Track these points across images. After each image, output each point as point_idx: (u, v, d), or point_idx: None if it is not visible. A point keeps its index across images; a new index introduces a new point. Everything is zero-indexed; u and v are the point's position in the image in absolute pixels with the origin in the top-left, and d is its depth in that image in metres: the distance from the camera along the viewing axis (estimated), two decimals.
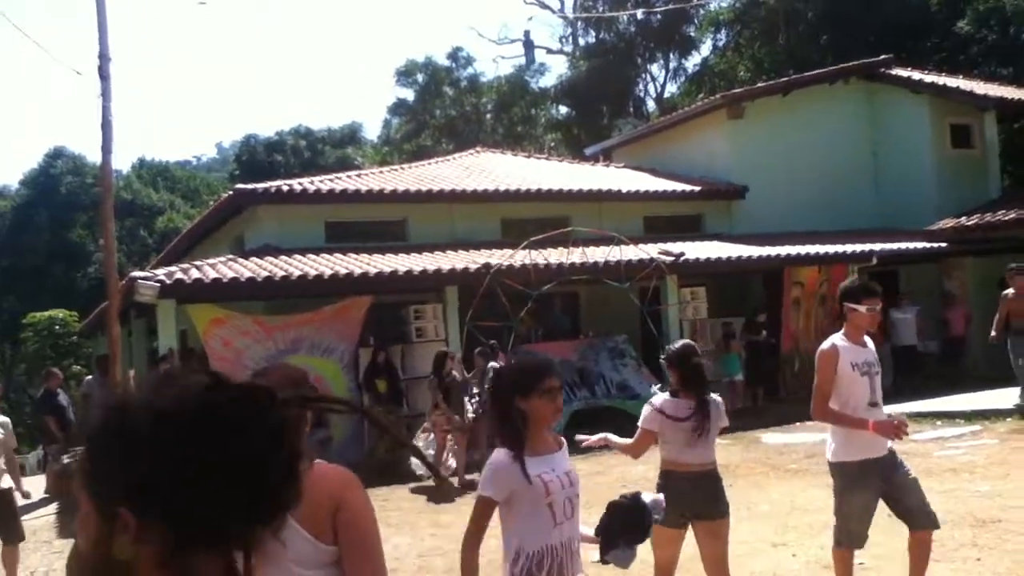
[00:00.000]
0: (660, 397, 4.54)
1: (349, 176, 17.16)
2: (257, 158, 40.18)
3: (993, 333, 11.05)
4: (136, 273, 12.01)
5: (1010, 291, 10.80)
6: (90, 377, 14.50)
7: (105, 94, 7.27)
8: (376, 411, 1.80)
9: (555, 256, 13.31)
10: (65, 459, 8.54)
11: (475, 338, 11.86)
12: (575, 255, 13.22)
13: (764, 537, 6.54)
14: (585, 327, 15.81)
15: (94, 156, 38.49)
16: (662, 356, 4.82)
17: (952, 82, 19.03)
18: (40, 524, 10.15)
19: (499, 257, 12.98)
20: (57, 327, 26.94)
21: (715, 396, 4.49)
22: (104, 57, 7.27)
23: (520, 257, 12.82)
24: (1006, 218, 15.69)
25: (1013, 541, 5.93)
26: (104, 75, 7.26)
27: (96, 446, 1.06)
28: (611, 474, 9.30)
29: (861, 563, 5.46)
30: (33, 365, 28.66)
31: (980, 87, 19.53)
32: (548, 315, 15.36)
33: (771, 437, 11.51)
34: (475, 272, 12.53)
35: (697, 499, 4.31)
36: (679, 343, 4.71)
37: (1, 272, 35.69)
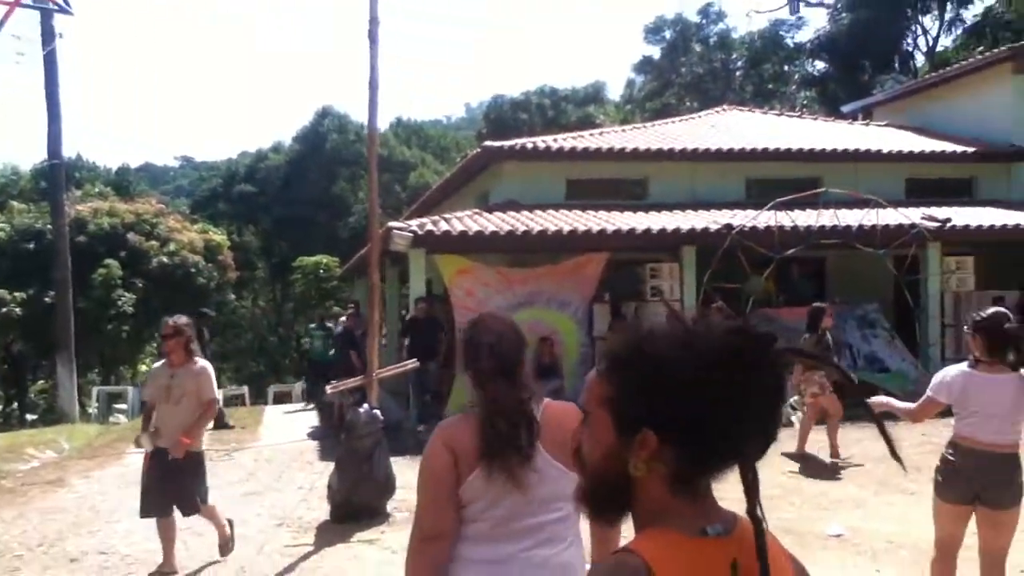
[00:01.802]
0: (956, 367, 4.22)
1: (591, 134, 17.20)
2: (504, 117, 41.29)
3: None
4: (393, 224, 12.77)
5: None
6: (344, 318, 15.59)
7: (373, 57, 7.66)
8: (850, 372, 1.83)
9: (803, 218, 12.62)
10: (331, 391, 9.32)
11: (712, 300, 11.53)
12: (825, 217, 12.47)
13: None
14: (831, 294, 14.92)
15: (357, 115, 41.42)
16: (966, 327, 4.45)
17: None
18: (305, 447, 11.25)
19: (742, 218, 12.51)
20: (321, 271, 29.51)
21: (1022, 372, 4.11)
22: (374, 21, 7.67)
23: (765, 218, 12.28)
24: None
25: None
26: (373, 39, 7.65)
27: (625, 371, 1.18)
28: None
29: None
30: (300, 304, 31.69)
31: None
32: (790, 280, 14.64)
33: None
34: (715, 232, 12.17)
35: (985, 482, 4.00)
36: (990, 310, 4.31)
37: (276, 219, 39.44)
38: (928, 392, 4.19)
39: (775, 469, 8.02)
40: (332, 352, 14.42)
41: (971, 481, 4.02)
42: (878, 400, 4.25)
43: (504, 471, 2.18)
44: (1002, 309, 4.33)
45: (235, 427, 13.22)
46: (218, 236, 27.40)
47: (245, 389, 23.61)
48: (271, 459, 10.30)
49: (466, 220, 12.94)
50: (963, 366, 4.16)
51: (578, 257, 12.45)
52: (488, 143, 16.09)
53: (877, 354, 12.57)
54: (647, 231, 12.50)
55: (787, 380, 1.24)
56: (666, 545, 1.13)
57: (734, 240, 11.70)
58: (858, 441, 8.57)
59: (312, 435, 12.42)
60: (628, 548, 1.15)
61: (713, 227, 12.38)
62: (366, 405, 7.46)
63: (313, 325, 17.87)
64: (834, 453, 8.54)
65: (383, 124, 50.51)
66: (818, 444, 8.77)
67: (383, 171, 41.26)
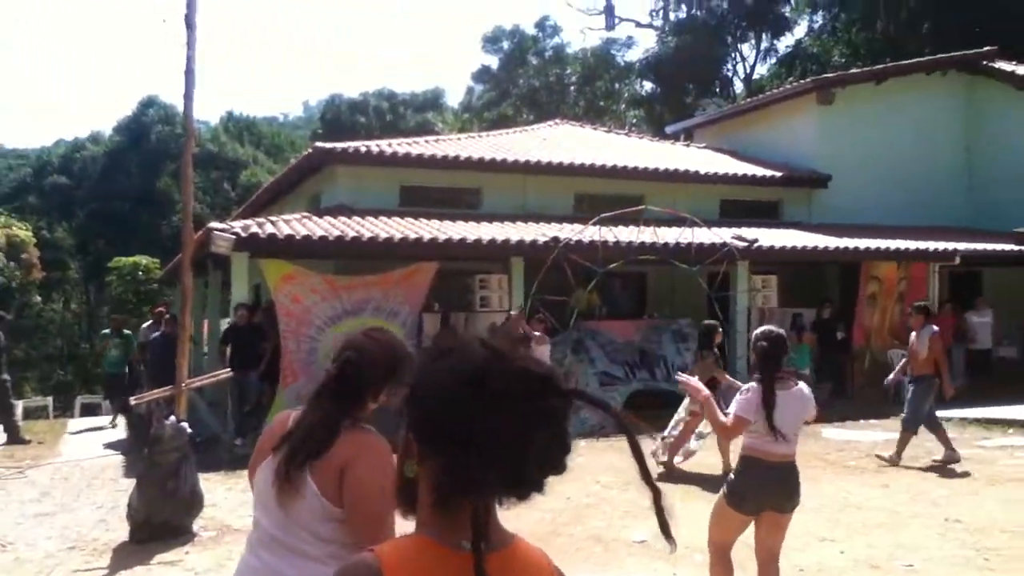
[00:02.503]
0: (751, 384, 4.45)
1: (426, 141, 17.23)
2: (341, 118, 40.70)
3: None
4: (213, 224, 12.27)
5: None
6: (146, 325, 14.76)
7: (190, 43, 7.33)
8: (627, 418, 1.75)
9: (626, 234, 13.15)
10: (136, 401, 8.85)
11: (538, 311, 11.83)
12: (646, 234, 13.04)
13: (813, 532, 6.42)
14: (650, 308, 15.64)
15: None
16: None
17: None
18: (109, 463, 10.60)
19: (569, 231, 12.88)
20: (140, 273, 27.88)
21: (801, 385, 4.45)
22: (190, 6, 7.36)
23: (590, 233, 12.70)
24: None
25: None
26: (190, 24, 7.33)
27: (414, 375, 1.27)
28: None
29: (910, 565, 5.30)
30: (116, 308, 29.86)
31: None
32: (612, 293, 15.23)
33: (832, 432, 11.24)
34: (543, 245, 12.47)
35: (775, 491, 4.31)
36: (759, 329, 4.60)
37: (91, 215, 37.02)
38: (735, 412, 4.39)
39: (587, 480, 8.30)
40: (140, 362, 13.65)
41: (761, 490, 4.32)
42: (701, 391, 4.43)
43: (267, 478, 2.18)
44: (771, 328, 4.61)
45: (32, 441, 12.24)
46: (22, 232, 25.41)
47: (50, 400, 22.01)
48: (69, 476, 9.62)
49: (294, 223, 12.62)
50: (752, 383, 4.43)
51: (409, 266, 12.42)
52: (320, 144, 15.78)
53: (689, 367, 13.23)
54: (478, 241, 12.62)
55: (566, 416, 1.23)
56: (408, 551, 1.21)
57: (561, 253, 12.01)
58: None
59: (119, 450, 11.74)
60: (372, 549, 1.23)
61: (541, 239, 12.67)
62: (172, 417, 7.12)
63: (107, 331, 15.29)
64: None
65: (213, 118, 48.58)
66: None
67: (212, 167, 39.65)
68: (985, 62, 18.69)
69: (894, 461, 8.96)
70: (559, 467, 1.22)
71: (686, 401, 9.09)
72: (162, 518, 6.63)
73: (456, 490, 1.17)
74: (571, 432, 1.24)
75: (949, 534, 4.61)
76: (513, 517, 1.24)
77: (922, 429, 8.96)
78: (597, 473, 8.52)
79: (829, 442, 10.62)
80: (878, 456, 9.26)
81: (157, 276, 26.76)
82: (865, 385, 14.11)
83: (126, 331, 14.89)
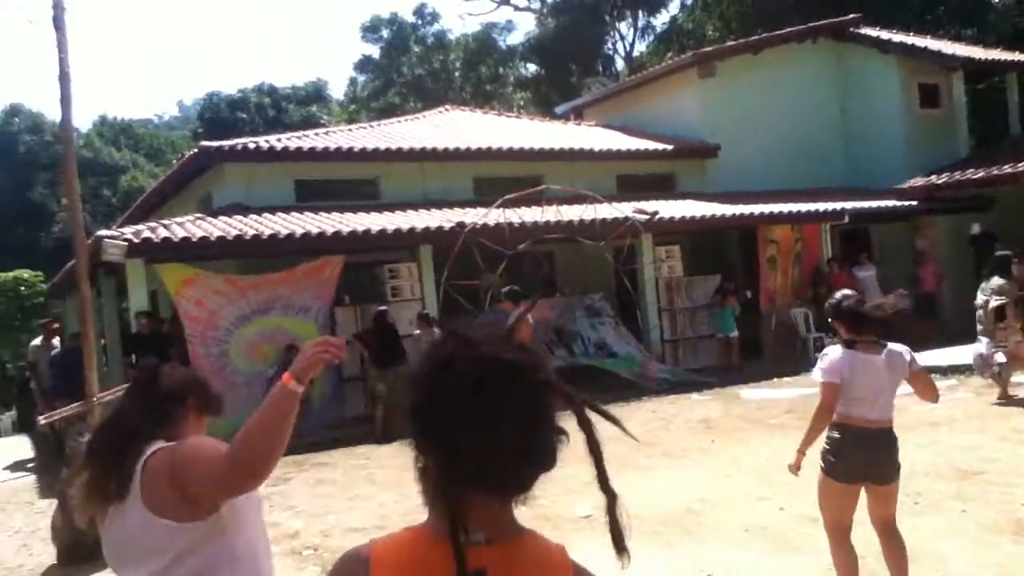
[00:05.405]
0: (837, 349, 4.25)
1: (317, 134, 16.86)
2: (221, 116, 39.42)
3: None
4: (103, 232, 11.70)
5: None
6: (36, 342, 13.83)
7: (61, 45, 6.96)
8: (601, 409, 1.68)
9: (530, 215, 13.22)
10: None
11: (451, 298, 11.77)
12: (549, 214, 13.15)
13: (750, 491, 6.60)
14: (561, 286, 15.79)
15: (53, 114, 37.60)
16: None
17: (920, 42, 19.11)
18: (20, 485, 10.03)
19: (473, 216, 12.86)
20: (23, 288, 26.36)
21: (897, 345, 4.22)
22: (58, 7, 6.98)
23: (494, 216, 12.71)
24: (975, 176, 15.86)
25: (996, 492, 6.05)
26: (59, 25, 6.96)
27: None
28: None
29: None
30: (0, 326, 28.08)
31: (948, 47, 19.63)
32: (526, 273, 15.29)
33: (750, 393, 11.61)
34: (449, 231, 12.41)
35: (873, 459, 4.14)
36: (838, 294, 4.38)
37: None
38: (821, 378, 4.21)
39: None
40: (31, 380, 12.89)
41: (857, 459, 4.12)
42: (797, 462, 4.31)
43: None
44: (850, 292, 4.44)
45: None
46: None
47: None
48: None
49: (188, 225, 12.18)
50: (839, 348, 4.24)
51: (314, 261, 12.15)
52: (205, 143, 15.23)
53: (605, 340, 13.46)
54: (382, 231, 12.46)
55: (542, 408, 1.20)
56: (402, 542, 1.21)
57: (467, 238, 11.98)
58: (595, 423, 9.13)
59: (29, 470, 11.12)
60: (369, 542, 1.24)
61: (447, 225, 12.61)
62: (88, 434, 6.77)
63: (38, 342, 13.72)
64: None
65: (84, 123, 46.25)
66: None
67: (89, 174, 37.78)
68: (852, 29, 19.56)
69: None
70: (544, 462, 1.20)
71: (984, 340, 9.48)
72: (92, 536, 6.29)
73: (439, 481, 1.18)
74: (558, 425, 1.22)
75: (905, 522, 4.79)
76: None
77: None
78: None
79: (749, 402, 10.96)
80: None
81: (41, 290, 25.38)
82: (775, 344, 14.65)
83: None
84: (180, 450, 2.02)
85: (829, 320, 4.43)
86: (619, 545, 1.24)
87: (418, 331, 10.93)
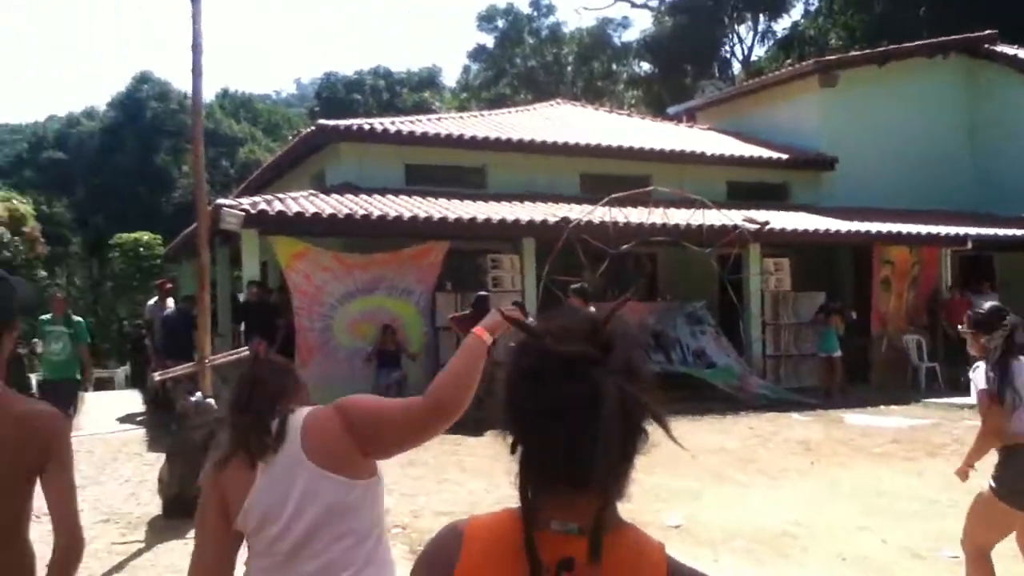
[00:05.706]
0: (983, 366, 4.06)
1: (428, 119, 17.09)
2: (336, 96, 40.41)
3: None
4: (222, 200, 12.14)
5: None
6: (151, 302, 14.34)
7: (195, 17, 7.17)
8: (656, 411, 1.69)
9: (636, 215, 13.09)
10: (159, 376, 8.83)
11: (551, 292, 11.76)
12: (656, 216, 12.98)
13: (850, 519, 6.36)
14: (662, 291, 15.60)
15: (179, 83, 39.24)
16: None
17: None
18: (131, 437, 10.55)
19: (578, 212, 12.81)
20: (142, 249, 27.63)
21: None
22: None
23: (599, 213, 12.63)
24: None
25: None
26: None
27: None
28: None
29: (955, 556, 5.28)
30: (120, 284, 29.59)
31: None
32: (625, 275, 15.16)
33: (854, 418, 11.16)
34: (554, 225, 12.39)
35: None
36: (986, 305, 4.24)
37: (91, 191, 36.67)
38: (984, 396, 4.00)
39: None
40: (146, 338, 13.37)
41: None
42: (964, 471, 4.20)
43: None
44: (996, 303, 4.30)
45: None
46: (23, 206, 25.12)
47: None
48: (93, 450, 9.57)
49: (301, 201, 12.52)
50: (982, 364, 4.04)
51: (420, 245, 12.33)
52: (323, 122, 15.64)
53: (705, 350, 13.20)
54: (488, 220, 12.55)
55: (601, 403, 1.14)
56: (496, 522, 1.23)
57: (571, 234, 11.95)
58: (691, 433, 8.98)
59: (139, 424, 11.67)
60: (470, 517, 1.27)
61: (551, 219, 12.59)
62: (199, 394, 7.06)
63: (47, 317, 9.99)
64: None
65: (207, 95, 48.03)
66: None
67: (210, 145, 39.26)
68: (986, 45, 18.67)
69: None
70: (608, 457, 1.12)
71: None
72: (194, 493, 6.57)
73: (522, 471, 1.20)
74: (633, 422, 1.17)
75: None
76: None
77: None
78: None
79: (852, 428, 10.57)
80: None
81: (159, 252, 26.56)
82: (884, 370, 14.10)
83: (76, 317, 10.44)
84: (347, 405, 2.08)
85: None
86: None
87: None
